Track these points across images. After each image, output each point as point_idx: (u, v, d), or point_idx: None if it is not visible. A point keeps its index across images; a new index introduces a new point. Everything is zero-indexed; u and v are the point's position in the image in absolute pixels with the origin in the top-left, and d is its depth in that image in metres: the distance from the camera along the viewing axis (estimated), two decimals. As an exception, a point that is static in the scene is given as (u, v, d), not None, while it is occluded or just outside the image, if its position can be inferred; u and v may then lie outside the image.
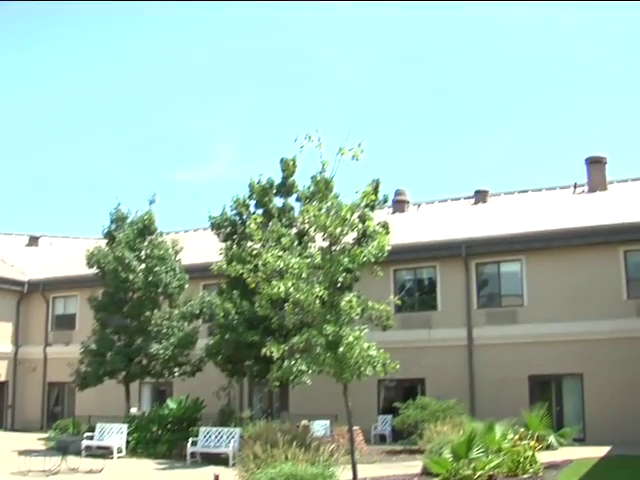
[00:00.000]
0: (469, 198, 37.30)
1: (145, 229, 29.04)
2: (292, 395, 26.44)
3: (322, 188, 15.94)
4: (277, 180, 26.46)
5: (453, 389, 27.61)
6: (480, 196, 36.59)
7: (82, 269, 33.79)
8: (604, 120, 76.81)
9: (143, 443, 25.94)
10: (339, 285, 16.13)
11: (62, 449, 22.20)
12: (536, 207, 33.13)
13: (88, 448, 25.22)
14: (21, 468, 20.15)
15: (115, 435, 25.66)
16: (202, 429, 24.54)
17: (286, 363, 16.09)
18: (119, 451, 25.26)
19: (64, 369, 31.68)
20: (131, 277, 27.61)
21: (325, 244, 16.59)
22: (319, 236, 17.52)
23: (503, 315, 29.45)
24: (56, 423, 33.06)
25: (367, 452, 24.06)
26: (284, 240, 16.78)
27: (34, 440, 27.70)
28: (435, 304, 31.01)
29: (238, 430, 23.10)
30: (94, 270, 29.40)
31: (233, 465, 19.33)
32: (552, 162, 77.49)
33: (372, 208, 21.05)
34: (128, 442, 25.99)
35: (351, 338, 15.21)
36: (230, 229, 26.68)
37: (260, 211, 25.88)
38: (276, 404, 30.40)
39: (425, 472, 16.91)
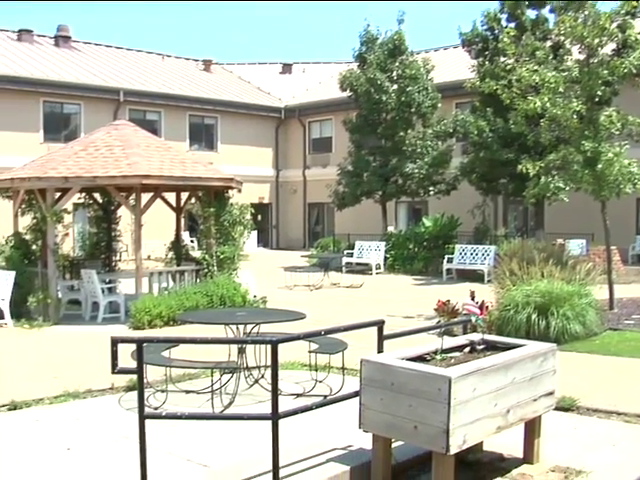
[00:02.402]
0: None
1: (395, 49, 28.79)
2: (547, 213, 26.03)
3: (579, -4, 15.01)
4: (530, -10, 25.09)
5: None
6: None
7: (335, 93, 34.40)
8: None
9: (400, 260, 26.83)
10: (597, 99, 15.41)
11: (324, 266, 23.44)
12: None
13: (348, 265, 26.47)
14: (287, 283, 21.55)
15: (373, 252, 26.70)
16: (457, 246, 24.92)
17: (543, 180, 15.80)
18: (377, 267, 26.31)
19: (322, 190, 32.99)
20: (384, 98, 27.73)
21: (582, 56, 15.79)
22: (575, 48, 16.66)
23: None
24: (317, 241, 34.81)
25: (624, 272, 23.47)
26: (539, 54, 16.09)
27: (297, 257, 29.42)
28: None
29: (493, 248, 23.25)
30: (347, 93, 29.81)
31: (488, 282, 19.58)
32: None
33: (633, 16, 19.52)
34: (385, 259, 26.99)
35: (610, 154, 14.64)
36: (482, 45, 25.89)
37: (512, 24, 24.76)
38: (531, 222, 30.18)
39: (688, 295, 16.34)
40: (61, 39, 39.01)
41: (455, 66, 34.90)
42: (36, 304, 15.23)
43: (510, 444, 6.49)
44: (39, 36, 38.98)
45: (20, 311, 15.40)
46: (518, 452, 6.41)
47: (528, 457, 6.31)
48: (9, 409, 8.37)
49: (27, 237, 16.50)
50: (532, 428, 6.27)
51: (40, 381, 9.73)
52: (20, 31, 37.98)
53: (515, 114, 16.24)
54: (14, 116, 31.14)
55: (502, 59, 23.16)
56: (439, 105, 28.90)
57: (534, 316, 11.81)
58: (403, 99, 27.72)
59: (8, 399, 8.49)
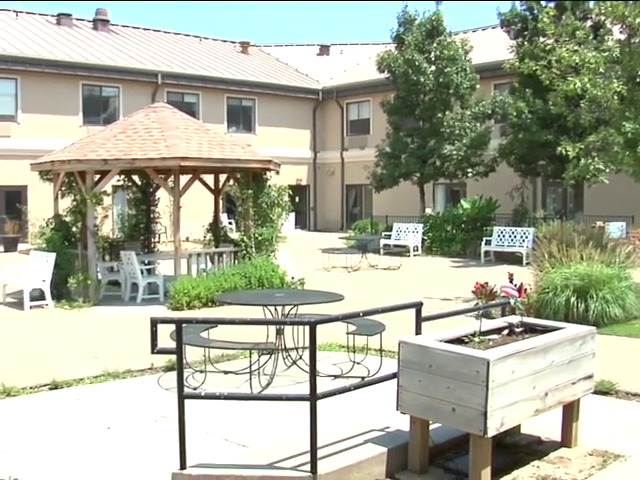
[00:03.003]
0: None
1: (433, 30, 28.57)
2: (586, 195, 25.76)
3: (619, -27, 14.77)
4: (570, -32, 24.70)
5: None
6: None
7: (373, 74, 34.26)
8: None
9: (438, 242, 26.75)
10: (639, 80, 15.19)
11: (362, 248, 23.46)
12: None
13: (386, 247, 26.44)
14: (325, 265, 21.57)
15: (411, 234, 26.65)
16: (496, 229, 24.79)
17: (582, 161, 15.66)
18: (415, 250, 26.26)
19: (360, 172, 32.98)
20: (422, 79, 27.57)
21: (623, 36, 15.57)
22: (616, 28, 16.45)
23: None
24: (355, 223, 34.81)
25: (666, 253, 23.18)
26: (579, 33, 15.90)
27: (335, 239, 29.48)
28: None
29: (532, 230, 23.09)
30: (385, 74, 29.69)
31: (527, 264, 19.45)
32: None
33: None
34: (423, 241, 26.95)
35: (653, 139, 14.44)
36: (521, 25, 25.60)
37: (552, 4, 24.37)
38: (570, 204, 29.89)
39: None
40: (100, 23, 39.27)
41: (494, 47, 34.59)
42: (76, 285, 15.42)
43: (548, 427, 6.47)
44: (78, 20, 39.27)
45: (60, 292, 15.62)
46: (556, 435, 6.39)
47: (566, 441, 6.29)
48: (50, 388, 8.51)
49: (67, 219, 16.67)
50: (570, 411, 6.24)
51: (80, 361, 9.88)
52: (59, 15, 38.30)
53: (555, 95, 16.09)
54: (54, 99, 31.46)
55: (541, 39, 22.95)
56: (477, 86, 28.68)
57: (573, 299, 11.73)
58: (441, 80, 27.56)
59: (49, 379, 8.63)
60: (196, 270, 16.03)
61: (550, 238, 13.72)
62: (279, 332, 8.70)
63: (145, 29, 42.42)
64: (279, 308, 8.68)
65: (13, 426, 7.20)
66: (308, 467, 5.31)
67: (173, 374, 6.48)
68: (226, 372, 9.05)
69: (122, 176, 18.69)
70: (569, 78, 14.79)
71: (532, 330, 6.25)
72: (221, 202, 20.29)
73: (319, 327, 5.40)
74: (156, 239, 19.90)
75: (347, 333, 8.79)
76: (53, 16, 38.37)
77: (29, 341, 11.61)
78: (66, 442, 6.70)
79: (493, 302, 6.37)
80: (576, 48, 14.96)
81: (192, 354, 8.47)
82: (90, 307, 14.91)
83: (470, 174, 28.44)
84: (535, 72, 16.16)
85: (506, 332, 6.22)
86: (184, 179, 16.39)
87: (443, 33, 28.68)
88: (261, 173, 16.95)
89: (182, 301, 14.39)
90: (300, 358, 8.74)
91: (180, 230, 15.98)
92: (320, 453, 5.38)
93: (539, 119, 23.86)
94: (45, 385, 8.58)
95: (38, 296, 15.10)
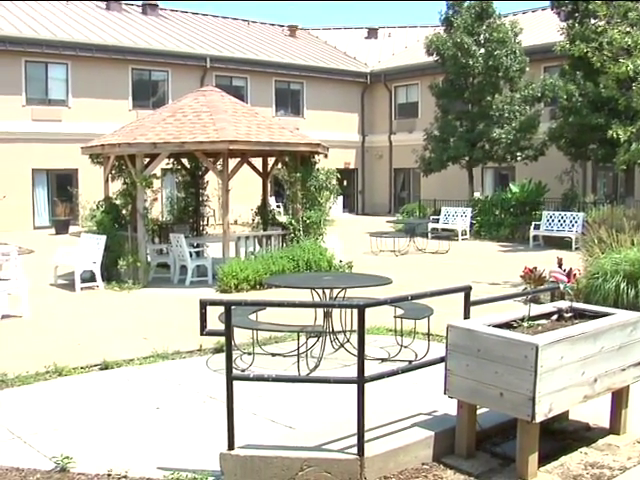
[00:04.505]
0: None
1: (483, 12, 28.29)
2: (637, 180, 25.40)
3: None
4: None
5: None
6: None
7: (422, 57, 34.00)
8: None
9: (486, 226, 26.57)
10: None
11: (409, 231, 23.39)
12: None
13: (434, 230, 26.34)
14: (373, 248, 21.56)
15: (459, 218, 26.52)
16: (545, 213, 24.55)
17: (634, 146, 15.42)
18: (463, 233, 26.12)
19: (408, 156, 32.82)
20: (471, 62, 27.34)
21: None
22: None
23: None
24: (403, 207, 34.65)
25: None
26: (631, 15, 15.67)
27: (383, 223, 29.35)
28: None
29: (582, 214, 22.82)
30: (434, 57, 29.47)
31: (576, 249, 19.25)
32: None
33: None
34: (472, 225, 26.79)
35: None
36: (572, 7, 25.19)
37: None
38: (621, 189, 29.48)
39: None
40: (148, 7, 39.57)
41: (544, 29, 34.11)
42: (126, 267, 15.62)
43: (596, 414, 6.42)
44: (127, 5, 39.60)
45: (111, 274, 15.84)
46: (604, 422, 6.34)
47: (614, 428, 6.24)
48: (101, 369, 8.66)
49: (117, 202, 16.86)
50: (619, 398, 6.19)
51: (130, 342, 10.02)
52: (109, 0, 38.58)
53: (606, 78, 15.89)
54: (104, 84, 31.76)
55: (593, 21, 22.59)
56: (527, 69, 28.37)
57: (623, 285, 11.58)
58: (490, 63, 27.30)
59: (100, 359, 8.79)
60: (244, 253, 16.13)
61: (600, 223, 13.57)
62: (327, 315, 8.74)
63: (194, 13, 42.62)
64: (327, 291, 8.70)
65: (65, 405, 7.34)
66: (355, 449, 5.34)
67: (221, 356, 6.55)
68: (274, 354, 9.12)
69: (171, 159, 18.86)
70: (621, 60, 14.58)
71: (581, 315, 6.20)
72: (269, 185, 20.36)
73: (367, 310, 5.41)
74: (205, 222, 20.05)
75: (395, 317, 8.79)
76: (103, 1, 38.68)
77: (80, 322, 11.80)
78: (116, 421, 6.81)
79: (542, 287, 6.33)
80: (628, 30, 14.75)
81: (240, 336, 8.54)
82: (139, 289, 15.10)
83: (519, 158, 28.17)
84: (586, 54, 15.96)
85: (555, 317, 6.18)
86: (233, 162, 16.48)
87: (492, 15, 28.40)
88: (309, 156, 16.97)
89: (230, 284, 14.50)
90: (347, 341, 8.77)
91: (229, 213, 16.08)
92: (367, 436, 5.41)
93: (590, 102, 23.54)
94: (95, 365, 8.73)
95: (89, 278, 15.33)
